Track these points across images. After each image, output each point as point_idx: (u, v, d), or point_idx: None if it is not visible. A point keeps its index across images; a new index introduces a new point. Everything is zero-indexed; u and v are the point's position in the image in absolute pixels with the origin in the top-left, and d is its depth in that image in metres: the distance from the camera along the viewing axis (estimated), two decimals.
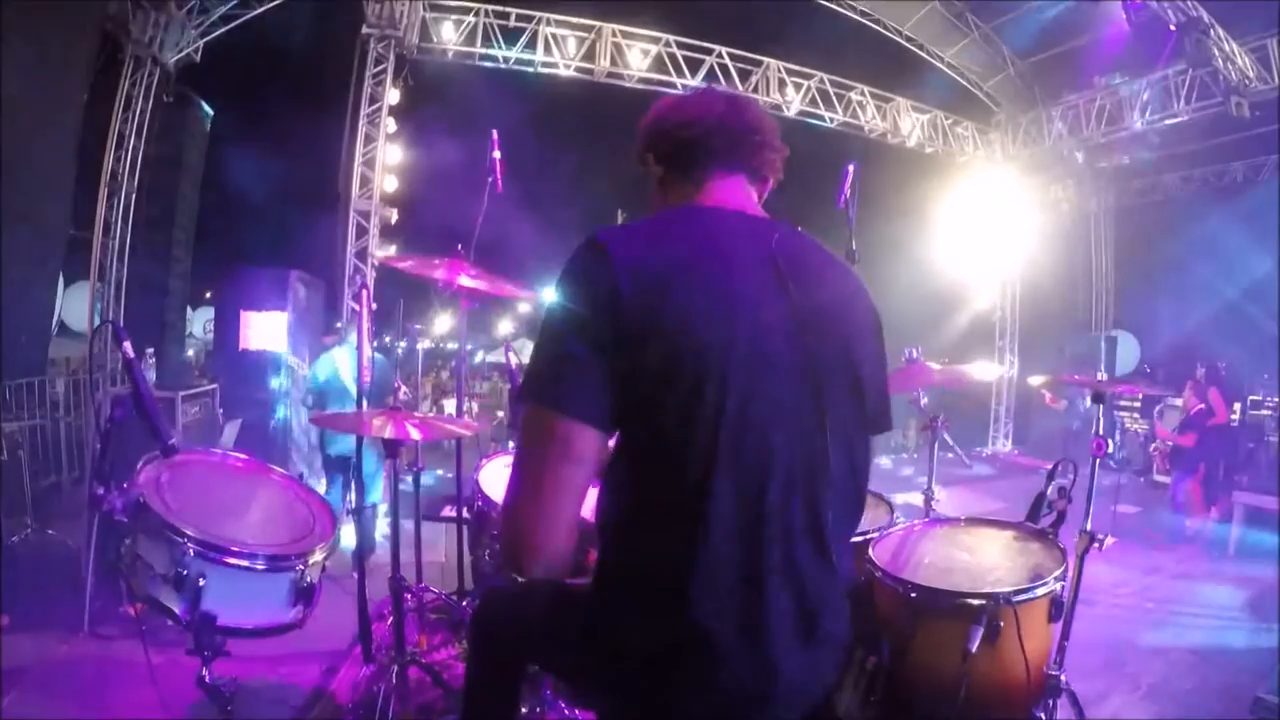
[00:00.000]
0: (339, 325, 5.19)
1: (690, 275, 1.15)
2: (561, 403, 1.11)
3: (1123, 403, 10.11)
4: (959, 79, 11.38)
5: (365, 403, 3.05)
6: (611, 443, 1.19)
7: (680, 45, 9.94)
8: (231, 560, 2.05)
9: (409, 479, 3.42)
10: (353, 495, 4.82)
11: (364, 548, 4.51)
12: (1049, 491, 2.38)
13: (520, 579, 1.34)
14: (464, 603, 3.32)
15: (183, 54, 8.03)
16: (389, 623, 3.02)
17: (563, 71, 9.75)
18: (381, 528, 5.29)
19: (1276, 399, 8.42)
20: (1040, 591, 2.07)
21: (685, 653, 1.11)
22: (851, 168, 3.23)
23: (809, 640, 1.19)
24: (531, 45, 9.57)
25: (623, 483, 1.18)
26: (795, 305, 1.19)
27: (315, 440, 5.47)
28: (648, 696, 1.14)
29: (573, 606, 1.28)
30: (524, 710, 2.29)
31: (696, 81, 9.82)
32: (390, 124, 9.18)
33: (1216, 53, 7.82)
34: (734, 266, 1.19)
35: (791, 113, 10.44)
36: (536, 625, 1.40)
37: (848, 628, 1.28)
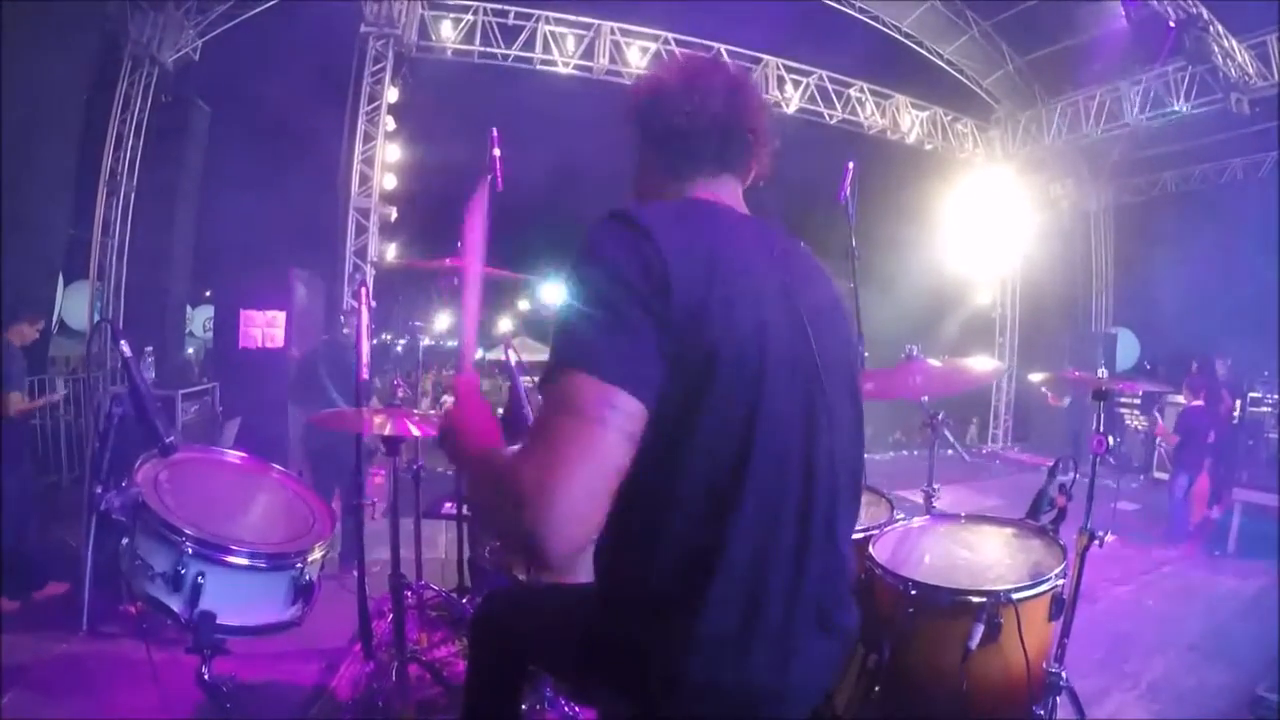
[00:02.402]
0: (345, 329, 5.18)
1: (725, 268, 1.12)
2: (606, 366, 0.99)
3: (1123, 400, 10.10)
4: (958, 76, 11.37)
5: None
6: None
7: (679, 43, 9.93)
8: (231, 559, 2.05)
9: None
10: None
11: (362, 544, 4.51)
12: (1049, 489, 2.38)
13: (535, 567, 1.30)
14: (464, 600, 3.33)
15: (181, 53, 8.02)
16: (389, 620, 3.02)
17: (562, 70, 9.75)
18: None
19: (1276, 396, 8.42)
20: (1041, 589, 2.08)
21: (700, 649, 1.11)
22: (851, 165, 3.23)
23: (823, 633, 1.20)
24: (530, 43, 9.57)
25: (642, 475, 1.11)
26: (801, 304, 1.20)
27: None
28: (658, 695, 1.13)
29: (578, 605, 1.28)
30: (525, 708, 2.29)
31: None
32: (389, 122, 9.18)
33: (1216, 49, 7.81)
34: (754, 264, 1.19)
35: (791, 110, 10.43)
36: (539, 625, 1.39)
37: (857, 621, 1.29)
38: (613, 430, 0.97)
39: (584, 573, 1.28)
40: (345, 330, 5.18)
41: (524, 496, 0.93)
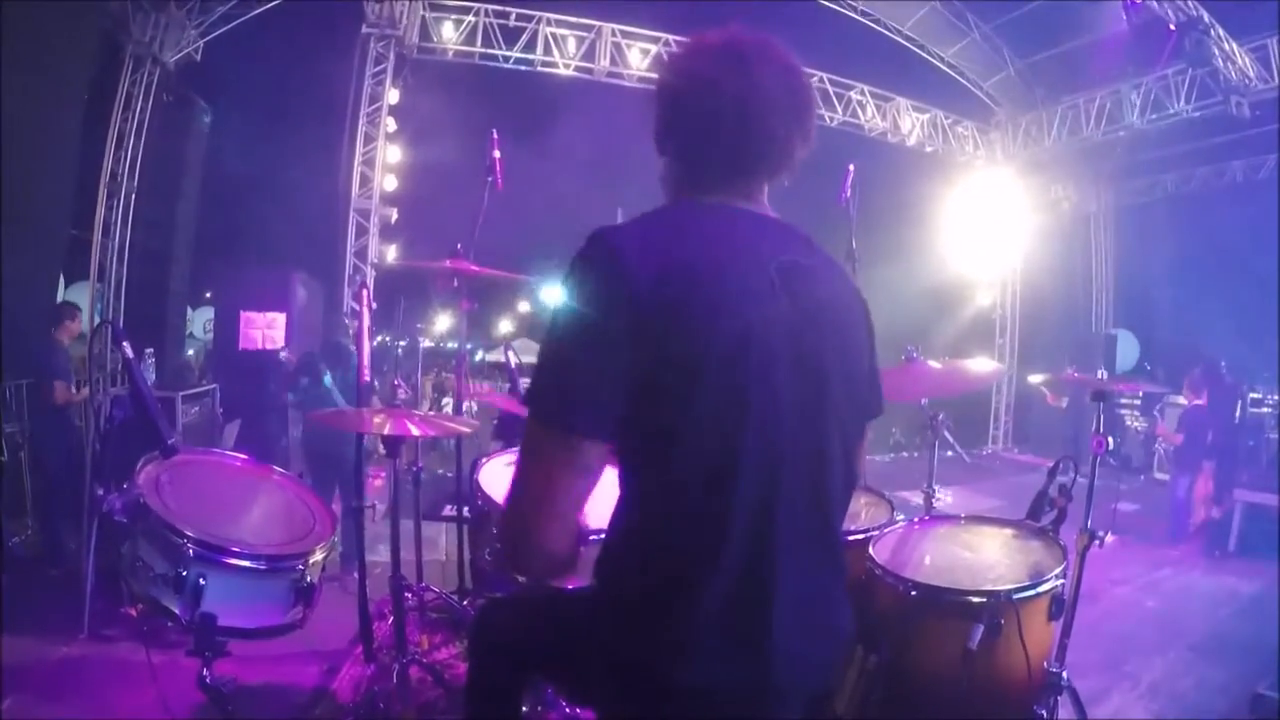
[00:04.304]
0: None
1: (701, 279, 1.12)
2: (569, 420, 1.09)
3: (1123, 401, 10.11)
4: (959, 79, 11.37)
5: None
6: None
7: (679, 44, 9.92)
8: (231, 560, 2.04)
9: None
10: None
11: (363, 547, 4.51)
12: (1050, 489, 2.38)
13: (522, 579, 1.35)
14: (465, 601, 3.33)
15: (182, 53, 8.02)
16: (390, 622, 3.02)
17: (562, 71, 9.75)
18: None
19: (1276, 397, 8.43)
20: (1041, 589, 2.08)
21: (693, 652, 1.11)
22: (852, 168, 3.24)
23: (817, 635, 1.20)
24: (531, 45, 9.58)
25: (637, 486, 1.17)
26: (796, 306, 1.18)
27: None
28: (653, 698, 1.14)
29: (575, 610, 1.29)
30: (524, 710, 2.28)
31: None
32: (390, 123, 9.19)
33: (1216, 52, 7.82)
34: (742, 269, 1.17)
35: None
36: (537, 629, 1.39)
37: (851, 621, 1.29)
38: (572, 470, 1.11)
39: (584, 575, 1.28)
40: (350, 331, 5.17)
41: (507, 527, 1.20)
